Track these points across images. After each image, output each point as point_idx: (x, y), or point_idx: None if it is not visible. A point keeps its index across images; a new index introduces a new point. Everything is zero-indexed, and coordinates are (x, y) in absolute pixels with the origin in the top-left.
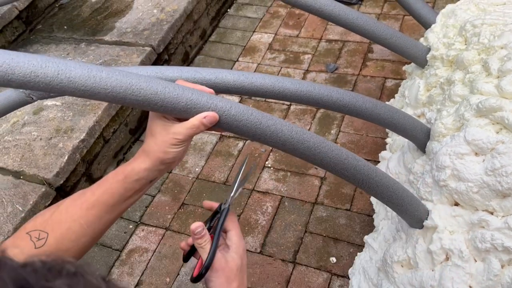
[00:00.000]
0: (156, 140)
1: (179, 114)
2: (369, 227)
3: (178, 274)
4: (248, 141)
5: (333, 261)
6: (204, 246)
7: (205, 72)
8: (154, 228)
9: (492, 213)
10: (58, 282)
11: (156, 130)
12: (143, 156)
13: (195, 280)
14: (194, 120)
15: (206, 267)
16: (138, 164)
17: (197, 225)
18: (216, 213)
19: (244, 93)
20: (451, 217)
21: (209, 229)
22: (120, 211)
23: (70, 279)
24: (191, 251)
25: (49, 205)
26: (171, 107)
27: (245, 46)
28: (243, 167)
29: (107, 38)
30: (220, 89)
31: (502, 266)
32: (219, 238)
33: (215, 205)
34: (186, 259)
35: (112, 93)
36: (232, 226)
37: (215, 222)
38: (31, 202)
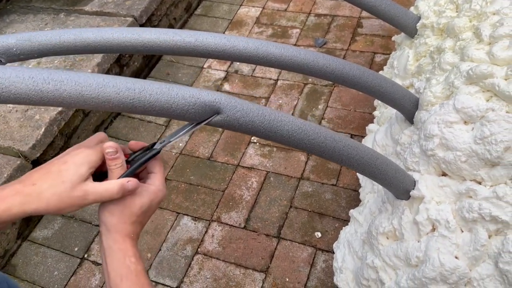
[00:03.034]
0: (58, 189)
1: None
2: (355, 202)
3: (160, 249)
4: None
5: (318, 236)
6: (115, 170)
7: (185, 34)
8: None
9: (480, 183)
10: None
11: (66, 175)
12: (30, 196)
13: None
14: (112, 186)
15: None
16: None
17: (110, 145)
18: (147, 149)
19: (226, 57)
20: (438, 187)
21: (130, 161)
22: None
23: None
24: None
25: None
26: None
27: (231, 20)
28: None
29: (87, 8)
30: (200, 53)
31: (489, 236)
32: (136, 169)
33: (140, 144)
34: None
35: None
36: (159, 170)
37: (139, 155)
38: (5, 175)
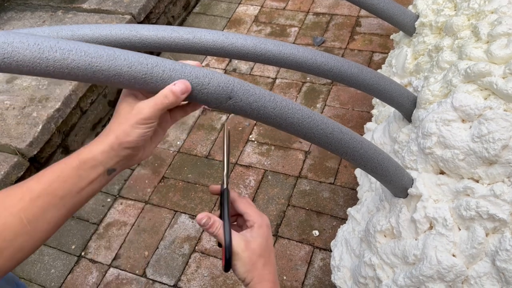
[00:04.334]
0: (119, 119)
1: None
2: (353, 201)
3: (157, 247)
4: (232, 114)
5: (315, 234)
6: (217, 234)
7: (183, 31)
8: (133, 202)
9: (477, 181)
10: None
11: (121, 108)
12: (102, 137)
13: (226, 269)
14: (162, 92)
15: (227, 256)
16: (95, 146)
17: (200, 217)
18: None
19: (224, 54)
20: (436, 185)
21: (222, 215)
22: (70, 206)
23: None
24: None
25: (22, 175)
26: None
27: (230, 18)
28: (225, 142)
29: (85, 5)
30: (198, 50)
31: (487, 235)
32: (229, 222)
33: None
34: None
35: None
36: (244, 206)
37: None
38: (2, 172)
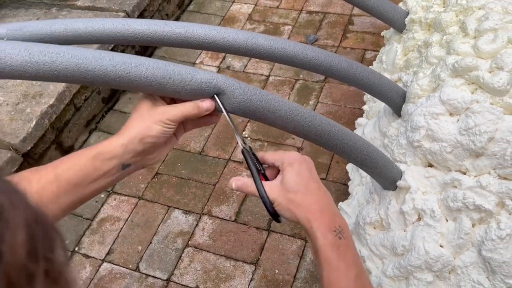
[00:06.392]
0: (142, 117)
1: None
2: (344, 196)
3: (151, 242)
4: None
5: None
6: (253, 191)
7: (175, 25)
8: (126, 197)
9: (464, 173)
10: None
11: (143, 108)
12: (122, 132)
13: (275, 219)
14: (190, 103)
15: (266, 207)
16: (115, 140)
17: (231, 182)
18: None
19: (216, 49)
20: (424, 178)
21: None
22: (81, 195)
23: None
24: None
25: (16, 171)
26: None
27: (224, 17)
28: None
29: (79, 3)
30: (190, 44)
31: (473, 225)
32: (258, 177)
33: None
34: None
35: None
36: (272, 157)
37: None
38: None
